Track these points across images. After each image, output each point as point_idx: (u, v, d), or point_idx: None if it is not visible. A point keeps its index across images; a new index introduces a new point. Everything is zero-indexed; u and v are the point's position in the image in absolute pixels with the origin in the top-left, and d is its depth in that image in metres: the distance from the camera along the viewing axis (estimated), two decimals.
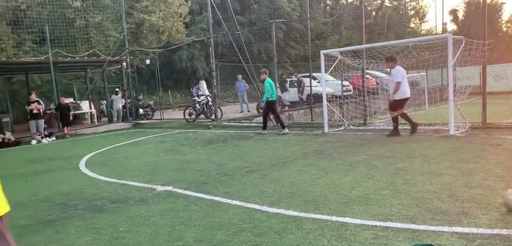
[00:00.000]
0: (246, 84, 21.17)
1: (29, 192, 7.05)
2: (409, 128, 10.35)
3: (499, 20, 43.27)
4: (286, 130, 12.32)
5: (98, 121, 22.78)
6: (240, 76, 20.91)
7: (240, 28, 22.34)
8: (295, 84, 22.61)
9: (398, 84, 10.02)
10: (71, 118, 17.65)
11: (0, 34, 21.67)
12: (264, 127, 12.87)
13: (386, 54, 12.99)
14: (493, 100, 11.51)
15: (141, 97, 24.44)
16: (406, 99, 10.31)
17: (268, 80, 12.63)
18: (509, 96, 15.04)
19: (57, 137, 15.98)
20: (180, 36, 28.82)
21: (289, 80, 23.14)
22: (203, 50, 34.14)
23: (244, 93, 21.11)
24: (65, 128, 16.93)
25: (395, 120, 10.32)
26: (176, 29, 28.41)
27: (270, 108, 12.87)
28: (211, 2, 17.20)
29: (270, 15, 37.64)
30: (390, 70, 10.68)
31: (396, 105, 10.18)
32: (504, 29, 43.93)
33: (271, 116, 14.01)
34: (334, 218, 4.54)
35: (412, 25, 48.25)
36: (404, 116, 10.38)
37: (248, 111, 20.62)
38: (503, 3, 42.89)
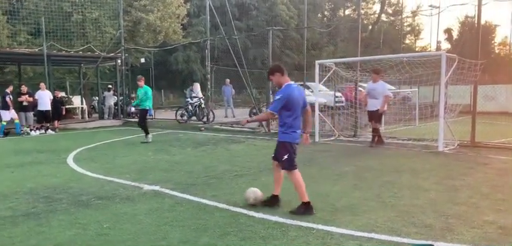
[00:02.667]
0: (233, 89, 21.19)
1: (13, 184, 6.97)
2: (372, 139, 10.86)
3: (492, 41, 43.79)
4: (149, 138, 12.25)
5: (88, 117, 22.61)
6: (227, 80, 20.92)
7: (238, 33, 22.39)
8: None
9: (387, 97, 10.54)
10: (64, 112, 17.52)
11: None
12: (146, 132, 12.49)
13: (381, 67, 13.09)
14: (483, 120, 11.64)
15: (133, 95, 24.30)
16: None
17: (145, 87, 12.33)
18: (498, 116, 15.22)
19: (46, 130, 15.83)
20: (176, 37, 28.76)
21: None
22: (199, 53, 34.15)
23: (230, 97, 21.11)
24: (56, 121, 16.79)
25: (376, 131, 10.70)
26: (173, 29, 28.34)
27: (142, 115, 12.58)
28: (210, 5, 17.22)
29: (267, 22, 37.77)
30: (371, 82, 11.02)
31: (380, 117, 10.64)
32: (497, 51, 44.46)
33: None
34: (319, 227, 4.54)
35: (407, 41, 48.67)
36: (377, 130, 10.86)
37: (233, 116, 20.61)
38: (497, 26, 43.44)
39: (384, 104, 10.50)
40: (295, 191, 5.19)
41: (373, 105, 10.56)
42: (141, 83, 12.32)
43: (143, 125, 12.52)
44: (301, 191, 5.11)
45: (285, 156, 5.16)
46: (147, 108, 12.52)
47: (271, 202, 5.36)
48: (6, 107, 14.88)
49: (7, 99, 14.95)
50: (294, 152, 5.22)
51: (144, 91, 12.23)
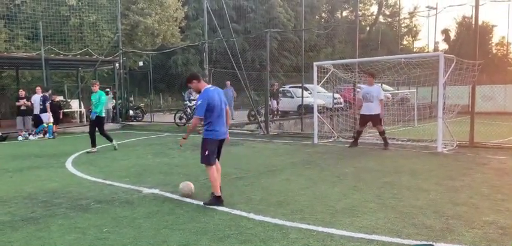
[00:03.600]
0: (234, 91, 21.16)
1: (12, 189, 6.94)
2: (352, 141, 11.08)
3: (490, 42, 43.93)
4: (94, 149, 11.23)
5: (87, 121, 22.56)
6: (228, 83, 20.91)
7: (235, 36, 22.40)
8: (288, 94, 22.70)
9: (382, 101, 10.56)
10: (61, 116, 17.47)
11: None
12: (93, 143, 11.35)
13: (379, 68, 13.12)
14: (481, 120, 11.66)
15: (132, 99, 24.29)
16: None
17: (100, 92, 11.38)
18: (497, 117, 15.25)
19: (44, 134, 15.78)
20: (174, 40, 28.79)
21: (281, 89, 23.24)
22: (198, 55, 34.10)
23: (231, 100, 21.07)
24: (54, 125, 16.75)
25: (383, 134, 10.63)
26: (171, 32, 28.37)
27: (96, 125, 11.41)
28: (207, 7, 17.23)
29: (265, 24, 37.78)
30: (362, 85, 11.03)
31: (380, 120, 10.60)
32: (494, 51, 44.60)
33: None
34: (320, 229, 4.53)
35: (404, 42, 48.77)
36: (360, 134, 11.02)
37: (232, 118, 20.59)
38: (494, 26, 43.58)
39: (381, 108, 10.54)
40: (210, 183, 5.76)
41: (368, 108, 10.52)
42: (96, 88, 11.47)
43: (92, 133, 11.36)
44: (215, 184, 5.66)
45: (206, 152, 5.68)
46: (101, 114, 11.35)
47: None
48: (46, 110, 15.72)
49: (47, 104, 15.72)
50: (215, 149, 5.79)
51: (99, 96, 11.29)
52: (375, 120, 10.54)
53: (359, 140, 11.12)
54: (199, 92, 5.80)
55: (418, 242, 3.98)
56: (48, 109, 15.68)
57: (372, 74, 11.03)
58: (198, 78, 5.90)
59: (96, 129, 11.46)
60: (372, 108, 10.45)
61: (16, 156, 10.84)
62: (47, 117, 15.65)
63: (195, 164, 8.92)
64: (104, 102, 11.59)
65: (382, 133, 10.62)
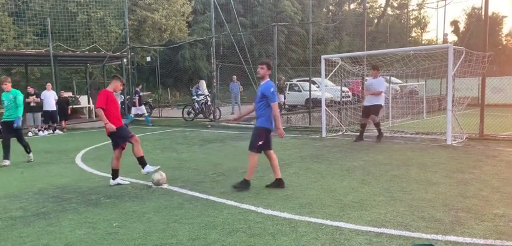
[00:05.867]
0: (241, 86, 21.16)
1: (23, 184, 7.03)
2: (357, 135, 11.04)
3: (500, 33, 43.36)
4: (31, 156, 9.44)
5: (95, 116, 22.72)
6: (235, 77, 20.90)
7: (242, 30, 22.37)
8: (296, 88, 22.65)
9: (379, 92, 10.53)
10: (70, 112, 17.62)
11: (2, 25, 21.63)
12: (27, 150, 9.50)
13: (387, 61, 13.04)
14: (491, 112, 11.53)
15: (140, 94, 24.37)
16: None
17: (14, 91, 9.26)
18: (507, 108, 15.07)
19: (54, 130, 15.94)
20: (182, 35, 28.82)
21: (288, 83, 23.19)
22: (205, 50, 34.13)
23: (238, 94, 21.08)
24: (63, 121, 16.91)
25: (378, 125, 10.72)
26: (178, 27, 28.40)
27: (10, 131, 9.23)
28: (214, 2, 17.21)
29: (272, 18, 37.66)
30: (368, 78, 11.11)
31: (377, 111, 10.64)
32: (504, 42, 44.03)
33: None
34: (328, 222, 4.53)
35: (413, 34, 48.34)
36: (364, 126, 10.97)
37: (240, 113, 20.60)
38: (504, 17, 43.00)
39: (378, 98, 10.52)
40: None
41: (369, 99, 10.59)
42: (7, 85, 9.18)
43: (6, 141, 9.15)
44: (252, 171, 6.11)
45: (261, 142, 6.00)
46: (11, 118, 9.14)
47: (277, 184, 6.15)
48: (138, 103, 17.59)
49: (137, 97, 17.61)
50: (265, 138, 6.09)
51: (14, 96, 9.17)
52: (373, 109, 10.53)
53: (366, 134, 11.08)
54: (262, 78, 6.08)
55: (418, 243, 3.95)
56: (137, 103, 17.53)
57: (376, 67, 11.02)
58: (270, 67, 6.17)
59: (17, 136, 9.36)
60: (372, 99, 10.53)
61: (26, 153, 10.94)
62: (136, 111, 17.62)
63: (204, 159, 8.96)
64: (21, 104, 9.28)
65: (377, 125, 10.72)
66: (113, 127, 6.56)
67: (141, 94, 18.14)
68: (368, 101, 10.63)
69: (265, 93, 5.96)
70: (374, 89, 10.48)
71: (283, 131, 6.36)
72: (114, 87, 6.92)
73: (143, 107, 18.12)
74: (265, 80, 6.05)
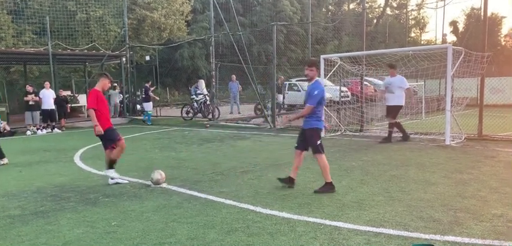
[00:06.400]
0: (239, 85, 21.15)
1: (22, 183, 7.02)
2: (402, 135, 10.63)
3: (499, 33, 43.39)
4: (4, 160, 8.99)
5: (87, 116, 22.69)
6: (234, 77, 20.88)
7: (242, 29, 22.35)
8: (295, 88, 22.64)
9: (408, 90, 10.46)
10: (68, 110, 17.60)
11: (1, 23, 21.57)
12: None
13: (386, 61, 13.03)
14: (490, 113, 11.55)
15: (139, 93, 24.36)
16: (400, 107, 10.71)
17: None
18: (506, 109, 15.10)
19: (53, 129, 15.92)
20: (181, 34, 28.77)
21: (287, 83, 23.19)
22: (204, 49, 34.09)
23: (237, 94, 21.07)
24: (62, 120, 16.89)
25: (393, 126, 10.50)
26: (177, 26, 28.35)
27: None
28: (214, 1, 17.18)
29: (271, 17, 37.64)
30: (388, 77, 10.92)
31: (397, 111, 10.50)
32: (503, 43, 44.06)
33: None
34: (327, 222, 4.54)
35: (412, 35, 48.38)
36: (392, 126, 10.59)
37: (239, 112, 20.60)
38: (503, 17, 43.02)
39: (407, 97, 10.51)
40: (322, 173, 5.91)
41: (389, 99, 10.45)
42: None
43: None
44: (327, 171, 5.87)
45: (319, 141, 5.86)
46: None
47: (289, 181, 6.10)
48: (148, 99, 18.14)
49: (150, 93, 18.19)
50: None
51: None
52: (391, 110, 10.42)
53: (365, 134, 11.08)
54: (311, 80, 5.92)
55: (418, 243, 3.96)
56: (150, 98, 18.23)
57: (393, 65, 10.85)
58: (318, 67, 6.06)
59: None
60: (391, 98, 10.42)
61: (25, 151, 10.94)
62: (149, 106, 18.20)
63: (203, 158, 8.95)
64: None
65: (390, 126, 10.55)
66: (101, 131, 6.50)
67: (150, 90, 18.48)
68: (389, 101, 10.46)
69: (309, 91, 5.87)
70: (393, 87, 10.33)
71: (287, 122, 6.77)
72: (103, 85, 6.85)
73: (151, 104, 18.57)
74: (314, 80, 5.90)
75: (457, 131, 10.36)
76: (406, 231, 4.19)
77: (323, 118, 6.06)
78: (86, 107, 22.35)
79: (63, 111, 16.94)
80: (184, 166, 8.11)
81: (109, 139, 6.73)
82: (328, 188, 5.78)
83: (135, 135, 14.02)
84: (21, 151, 10.98)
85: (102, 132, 6.56)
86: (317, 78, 5.97)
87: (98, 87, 6.83)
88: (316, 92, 5.76)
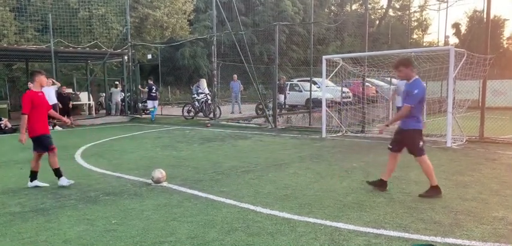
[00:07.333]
0: (241, 85, 21.14)
1: (22, 180, 7.01)
2: None
3: (501, 36, 43.32)
4: None
5: (95, 113, 22.74)
6: (235, 76, 20.88)
7: (244, 29, 22.34)
8: (296, 88, 22.66)
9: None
10: (71, 107, 17.63)
11: (3, 20, 21.61)
12: None
13: (388, 62, 13.01)
14: (491, 115, 11.53)
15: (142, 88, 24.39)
16: None
17: None
18: (507, 111, 15.08)
19: (53, 126, 15.93)
20: (183, 33, 28.78)
21: (288, 83, 23.21)
22: (206, 48, 34.09)
23: (238, 94, 21.07)
24: (70, 117, 16.98)
25: None
26: (180, 25, 28.36)
27: None
28: (216, 0, 17.19)
29: (274, 17, 37.65)
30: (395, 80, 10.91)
31: None
32: (505, 45, 43.98)
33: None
34: (327, 223, 4.53)
35: (414, 36, 48.31)
36: None
37: (240, 112, 20.60)
38: (506, 20, 42.94)
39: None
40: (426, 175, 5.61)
41: (399, 101, 10.48)
42: None
43: None
44: (432, 174, 5.52)
45: (421, 143, 5.56)
46: None
47: (380, 185, 5.84)
48: (152, 97, 18.70)
49: (157, 93, 18.85)
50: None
51: None
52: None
53: (367, 135, 11.08)
54: (407, 79, 5.63)
55: (418, 242, 3.95)
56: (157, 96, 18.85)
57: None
58: (409, 64, 5.63)
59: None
60: (399, 101, 10.35)
61: (25, 148, 10.89)
62: (153, 104, 18.66)
63: (204, 157, 8.95)
64: None
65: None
66: (23, 140, 6.25)
67: (154, 87, 18.79)
68: (399, 102, 10.53)
69: (408, 91, 5.53)
70: (401, 89, 10.34)
71: (385, 129, 6.13)
72: (40, 83, 6.39)
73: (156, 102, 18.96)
74: (411, 78, 5.56)
75: (458, 133, 10.34)
76: (406, 233, 4.18)
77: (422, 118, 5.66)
78: (87, 105, 22.44)
79: (66, 109, 16.97)
80: (185, 165, 8.11)
81: (41, 145, 6.43)
82: (434, 192, 5.42)
83: (136, 133, 14.04)
84: (22, 148, 10.96)
85: (24, 143, 6.25)
86: (416, 76, 5.59)
87: (35, 87, 6.37)
88: (416, 91, 5.41)
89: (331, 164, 7.87)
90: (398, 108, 10.47)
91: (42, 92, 6.49)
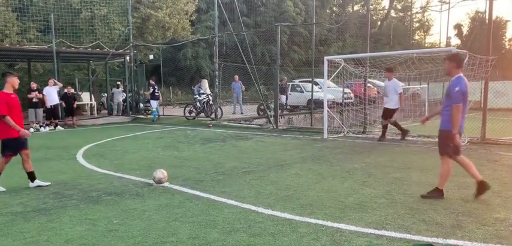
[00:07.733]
0: (242, 85, 21.13)
1: (24, 180, 7.00)
2: (400, 134, 11.14)
3: (503, 37, 43.23)
4: None
5: (97, 113, 22.77)
6: (236, 77, 20.88)
7: (246, 29, 22.36)
8: (298, 89, 22.65)
9: (401, 95, 10.95)
10: (75, 107, 17.68)
11: (5, 20, 21.65)
12: None
13: (389, 64, 13.01)
14: (493, 116, 11.51)
15: (142, 92, 24.43)
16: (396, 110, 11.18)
17: None
18: (509, 113, 15.04)
19: (55, 126, 15.96)
20: (185, 33, 28.77)
21: (290, 84, 23.20)
22: (208, 49, 34.11)
23: (240, 94, 21.06)
24: (73, 118, 17.05)
25: (385, 127, 11.15)
26: (182, 26, 28.37)
27: None
28: (218, 1, 17.19)
29: (275, 18, 37.65)
30: (386, 80, 11.48)
31: (391, 114, 10.97)
32: (507, 47, 43.89)
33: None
34: (329, 223, 4.53)
35: (416, 37, 48.23)
36: (396, 124, 11.21)
37: (241, 112, 20.60)
38: (507, 21, 42.84)
39: (400, 101, 10.94)
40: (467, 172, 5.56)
41: (386, 101, 11.04)
42: None
43: None
44: (446, 179, 5.46)
45: (451, 144, 5.38)
46: None
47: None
48: (155, 97, 18.85)
49: (159, 93, 19.00)
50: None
51: None
52: (386, 113, 10.98)
53: (370, 136, 11.23)
54: (450, 75, 5.42)
55: (418, 242, 3.95)
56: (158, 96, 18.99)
57: (389, 69, 11.38)
58: (458, 61, 5.38)
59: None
60: (386, 101, 11.04)
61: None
62: (156, 103, 18.86)
63: (205, 158, 8.96)
64: None
65: (384, 127, 11.13)
66: (26, 133, 6.31)
67: (156, 87, 18.96)
68: (384, 103, 11.11)
69: (449, 90, 5.28)
70: (386, 90, 10.96)
71: (459, 141, 5.39)
72: (12, 84, 6.31)
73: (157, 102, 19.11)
74: (455, 75, 5.28)
75: None
76: (408, 234, 4.18)
77: (463, 121, 5.47)
78: (88, 105, 22.46)
79: (70, 108, 17.03)
80: (187, 165, 8.12)
81: (12, 147, 6.36)
82: (437, 194, 5.39)
83: (138, 134, 14.05)
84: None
85: (28, 135, 6.32)
86: (460, 73, 5.28)
87: (7, 89, 6.27)
88: (457, 89, 5.17)
89: (333, 165, 7.87)
90: (385, 109, 10.98)
91: (15, 94, 6.41)
